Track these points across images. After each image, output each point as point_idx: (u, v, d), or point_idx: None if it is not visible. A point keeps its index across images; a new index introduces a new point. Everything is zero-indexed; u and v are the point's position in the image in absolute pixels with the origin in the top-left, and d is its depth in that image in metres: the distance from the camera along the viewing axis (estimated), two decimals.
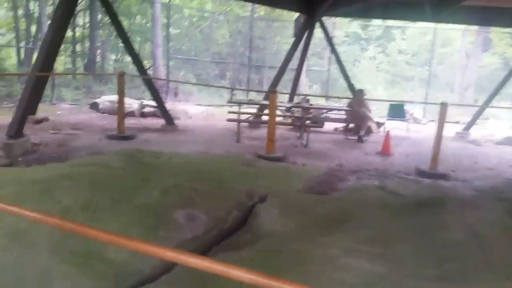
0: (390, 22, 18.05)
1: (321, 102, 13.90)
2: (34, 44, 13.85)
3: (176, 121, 8.59)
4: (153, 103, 8.86)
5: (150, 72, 13.26)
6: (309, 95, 11.98)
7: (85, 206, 2.67)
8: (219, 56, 18.61)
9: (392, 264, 2.37)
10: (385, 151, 7.00)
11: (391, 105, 10.56)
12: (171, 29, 15.45)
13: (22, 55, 14.37)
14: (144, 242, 1.04)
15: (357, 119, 8.53)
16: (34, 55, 13.41)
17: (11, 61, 14.78)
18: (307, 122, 8.18)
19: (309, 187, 4.40)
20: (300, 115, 8.43)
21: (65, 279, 2.17)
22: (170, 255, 1.01)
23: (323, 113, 9.45)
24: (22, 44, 14.63)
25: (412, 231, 2.87)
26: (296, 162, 5.87)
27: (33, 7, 14.75)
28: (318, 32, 12.05)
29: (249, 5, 16.37)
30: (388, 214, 3.30)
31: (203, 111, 11.15)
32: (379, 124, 9.55)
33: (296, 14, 10.64)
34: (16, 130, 5.51)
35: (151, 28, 15.09)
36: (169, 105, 9.67)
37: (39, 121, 7.59)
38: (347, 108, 8.72)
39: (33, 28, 14.57)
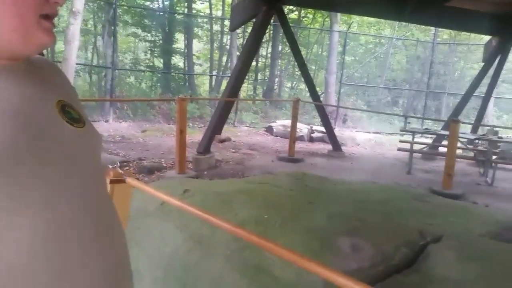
0: None
1: None
2: (224, 73, 15.82)
3: (343, 148, 8.58)
4: (322, 128, 9.04)
5: (321, 98, 13.67)
6: (498, 126, 10.52)
7: (258, 221, 2.88)
8: (393, 83, 18.01)
9: None
10: None
11: None
12: (346, 57, 15.68)
13: (213, 82, 16.54)
14: (324, 265, 1.04)
15: None
16: (223, 83, 15.34)
17: (204, 87, 17.16)
18: (494, 157, 7.18)
19: (493, 233, 3.80)
20: (485, 149, 7.46)
21: None
22: (342, 281, 1.00)
23: None
24: (214, 72, 16.86)
25: None
26: (476, 202, 5.20)
27: (226, 40, 16.89)
28: None
29: (432, 29, 15.51)
30: None
31: (371, 139, 10.89)
32: None
33: (486, 38, 9.60)
34: (205, 147, 6.35)
35: (327, 57, 15.58)
36: (337, 131, 9.74)
37: (222, 141, 8.56)
38: None
39: (224, 59, 16.67)
